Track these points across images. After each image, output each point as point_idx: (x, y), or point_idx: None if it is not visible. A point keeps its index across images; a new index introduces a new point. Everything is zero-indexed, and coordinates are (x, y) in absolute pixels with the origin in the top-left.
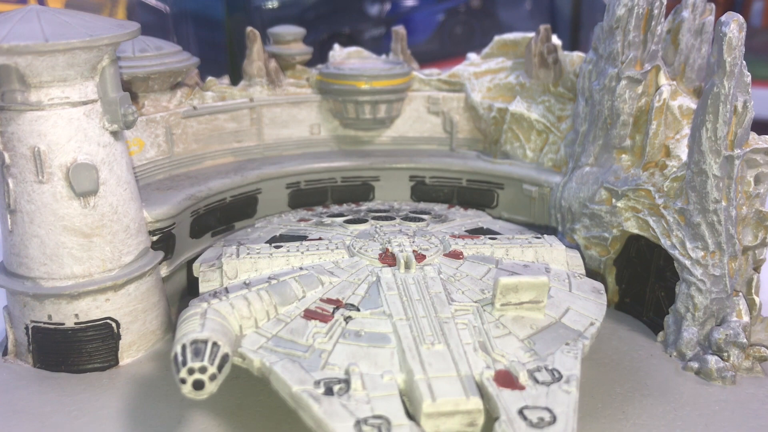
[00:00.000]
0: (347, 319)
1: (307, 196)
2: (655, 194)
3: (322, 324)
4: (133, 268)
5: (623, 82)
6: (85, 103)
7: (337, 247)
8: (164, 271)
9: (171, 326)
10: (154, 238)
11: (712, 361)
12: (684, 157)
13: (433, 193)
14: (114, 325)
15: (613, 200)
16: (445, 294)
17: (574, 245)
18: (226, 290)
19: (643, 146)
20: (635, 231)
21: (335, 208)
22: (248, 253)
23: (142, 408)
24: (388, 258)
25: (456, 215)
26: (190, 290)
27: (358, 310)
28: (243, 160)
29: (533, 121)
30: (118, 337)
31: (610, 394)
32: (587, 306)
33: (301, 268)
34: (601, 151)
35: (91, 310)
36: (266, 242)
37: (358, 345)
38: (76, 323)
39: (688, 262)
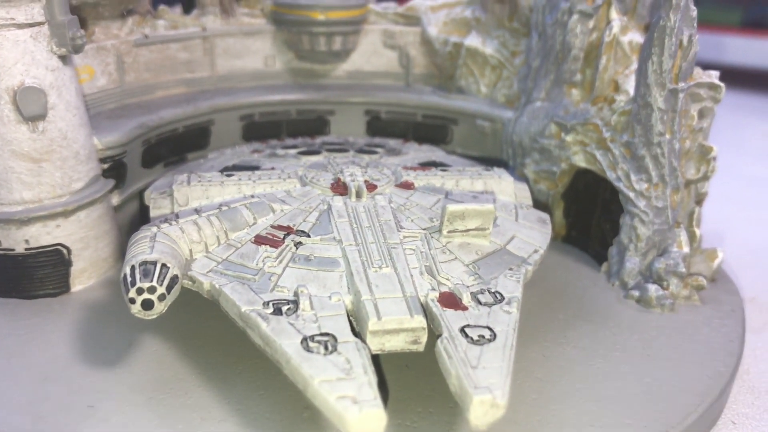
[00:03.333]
0: (297, 244)
1: (262, 129)
2: (602, 128)
3: (272, 249)
4: (83, 194)
5: (575, 17)
6: (31, 25)
7: (289, 177)
8: (115, 199)
9: (123, 254)
10: (105, 166)
11: (652, 289)
12: (632, 91)
13: (389, 128)
14: (65, 251)
15: (562, 134)
16: (394, 222)
17: (524, 179)
18: (177, 216)
19: (592, 81)
20: (583, 165)
21: (290, 141)
22: (199, 181)
23: (93, 332)
24: (339, 187)
25: (410, 149)
26: (142, 220)
27: (309, 236)
28: (195, 91)
29: (488, 56)
30: (69, 263)
31: (553, 320)
32: (532, 235)
33: (252, 197)
34: (553, 86)
35: (41, 236)
36: (218, 172)
37: (308, 269)
38: (26, 249)
39: (632, 194)
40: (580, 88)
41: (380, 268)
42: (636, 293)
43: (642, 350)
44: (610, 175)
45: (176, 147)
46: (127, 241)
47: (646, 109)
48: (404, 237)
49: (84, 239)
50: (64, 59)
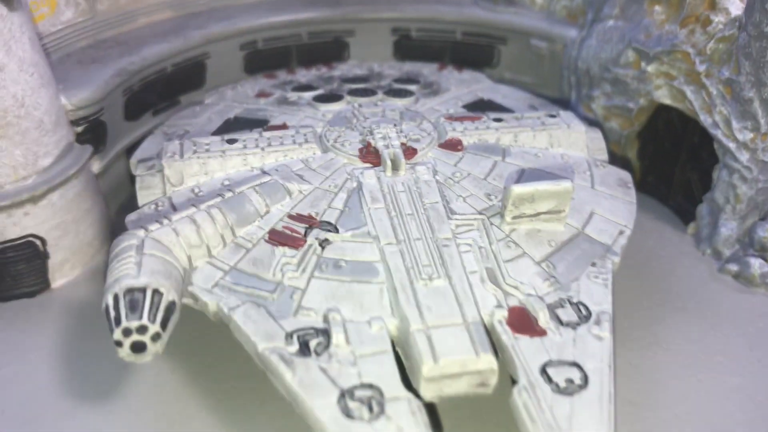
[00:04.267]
0: (323, 243)
1: (267, 59)
2: (695, 58)
3: (292, 251)
4: (53, 172)
5: None
6: None
7: (306, 140)
8: (97, 166)
9: (111, 234)
10: (79, 129)
11: (756, 264)
12: (733, 10)
13: (421, 49)
14: (39, 242)
15: (643, 64)
16: (442, 204)
17: (591, 116)
18: (172, 206)
19: None
20: (667, 102)
21: (302, 74)
22: (195, 151)
23: (81, 348)
24: (370, 155)
25: (450, 81)
26: (134, 182)
27: (337, 230)
28: (184, 15)
29: None
30: (46, 256)
31: (638, 308)
32: (614, 207)
33: (262, 171)
34: (629, 0)
35: (6, 228)
36: (218, 128)
37: (339, 279)
38: None
39: (732, 145)
40: (665, 5)
41: (430, 279)
42: (734, 267)
43: (749, 352)
44: (704, 119)
45: (166, 90)
46: (116, 215)
47: (760, 41)
48: (457, 226)
49: (60, 225)
50: (9, 3)
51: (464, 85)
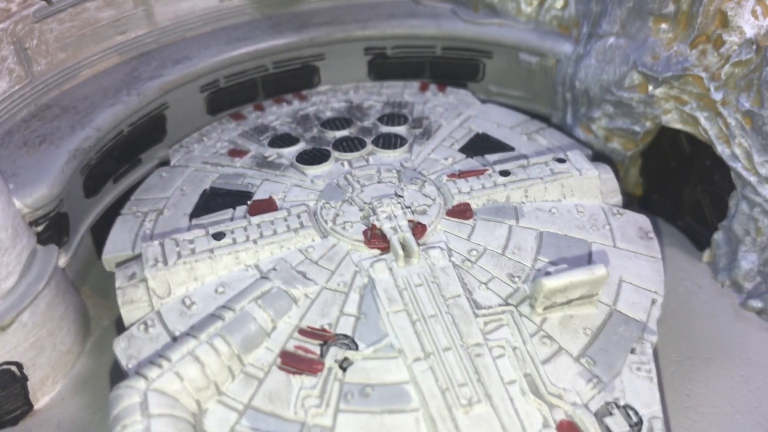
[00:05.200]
0: (344, 364)
1: (231, 96)
2: (708, 83)
3: (310, 377)
4: (19, 293)
5: None
6: None
7: (301, 224)
8: (63, 261)
9: (88, 326)
10: (39, 229)
11: None
12: (747, 28)
13: (399, 67)
14: (14, 368)
15: (650, 87)
16: (465, 297)
17: (591, 138)
18: (163, 324)
19: (691, 13)
20: (677, 126)
21: (272, 112)
22: (179, 254)
23: None
24: (376, 238)
25: (437, 111)
26: (99, 250)
27: (356, 345)
28: (133, 56)
29: None
30: (24, 378)
31: (666, 361)
32: (641, 269)
33: (259, 271)
34: (631, 15)
35: None
36: (195, 205)
37: (368, 411)
38: None
39: (754, 179)
40: (672, 22)
41: (470, 403)
42: (758, 304)
43: None
44: (722, 150)
45: (125, 153)
46: (89, 293)
47: None
48: (485, 324)
49: (35, 344)
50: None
51: (453, 111)
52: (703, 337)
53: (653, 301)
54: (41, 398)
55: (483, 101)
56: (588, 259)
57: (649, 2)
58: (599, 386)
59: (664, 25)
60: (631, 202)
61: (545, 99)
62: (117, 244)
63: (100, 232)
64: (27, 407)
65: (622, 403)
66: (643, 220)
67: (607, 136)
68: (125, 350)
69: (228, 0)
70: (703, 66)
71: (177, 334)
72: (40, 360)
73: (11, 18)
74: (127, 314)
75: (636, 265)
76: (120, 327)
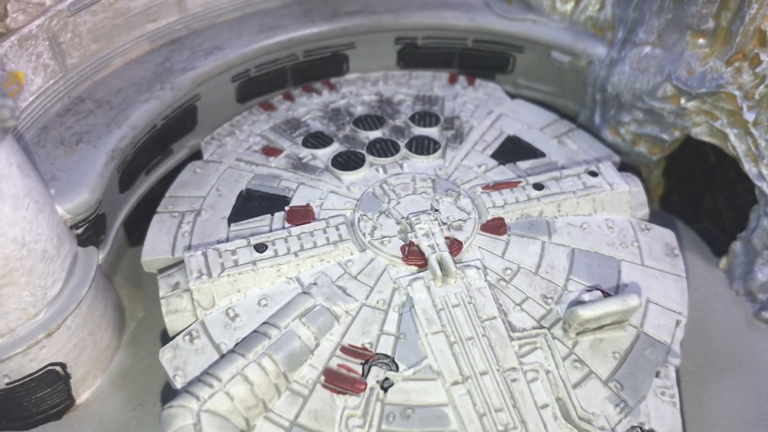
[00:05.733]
0: (385, 384)
1: (260, 85)
2: (741, 102)
3: (353, 397)
4: (63, 299)
5: None
6: None
7: (340, 236)
8: (100, 257)
9: (124, 319)
10: (80, 231)
11: None
12: None
13: (427, 57)
14: (59, 368)
15: (682, 100)
16: (501, 319)
17: (618, 140)
18: (208, 335)
19: (730, 30)
20: (705, 139)
21: (302, 102)
22: (222, 267)
23: None
24: (414, 255)
25: (467, 108)
26: (131, 238)
27: (396, 366)
28: (163, 44)
29: None
30: (68, 377)
31: (682, 371)
32: (666, 288)
33: (301, 286)
34: (669, 27)
35: (24, 365)
36: (233, 208)
37: None
38: (8, 383)
39: None
40: (710, 38)
41: (507, 430)
42: None
43: None
44: (748, 169)
45: (157, 145)
46: (127, 287)
47: None
48: (520, 347)
49: (78, 344)
50: None
51: (483, 109)
52: (717, 346)
53: (677, 323)
54: (83, 393)
55: (512, 95)
56: (617, 278)
57: (688, 16)
58: (626, 410)
59: (701, 40)
60: (651, 201)
61: (574, 96)
62: (156, 246)
63: (131, 220)
64: (70, 401)
65: (647, 427)
66: (669, 236)
67: (635, 141)
68: (171, 361)
69: None
70: (737, 84)
71: (222, 347)
72: (82, 358)
73: (46, 13)
74: (172, 323)
75: (662, 284)
76: (152, 318)
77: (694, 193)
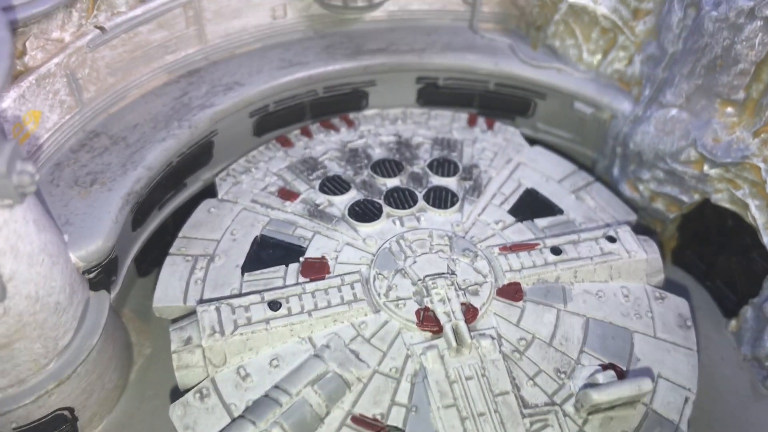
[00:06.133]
0: None
1: (278, 120)
2: (765, 176)
3: None
4: (74, 348)
5: (758, 23)
6: None
7: (354, 296)
8: (111, 296)
9: (131, 356)
10: (92, 276)
11: None
12: None
13: (447, 96)
14: (67, 412)
15: (706, 167)
16: (513, 393)
17: (636, 196)
18: (218, 394)
19: (760, 103)
20: (725, 206)
21: (319, 140)
22: (235, 324)
23: None
24: (429, 321)
25: (485, 155)
26: (140, 271)
27: None
28: (182, 75)
29: (599, 17)
30: (75, 420)
31: None
32: (677, 363)
33: (313, 348)
34: (698, 93)
35: (32, 412)
36: (247, 256)
37: None
38: (15, 429)
39: None
40: (739, 108)
41: None
42: None
43: None
44: (767, 241)
45: (171, 182)
46: (136, 322)
47: None
48: (531, 424)
49: (87, 389)
50: (11, 206)
51: (502, 157)
52: (721, 416)
53: (686, 400)
54: None
55: (530, 140)
56: (630, 351)
57: (719, 85)
58: None
59: (730, 109)
60: (664, 254)
61: (593, 144)
62: (168, 292)
63: (140, 252)
64: None
65: None
66: (683, 306)
67: (653, 197)
68: (182, 419)
69: (281, 17)
70: (763, 156)
71: (232, 407)
72: (90, 401)
73: (66, 50)
74: (182, 378)
75: (673, 359)
76: (160, 355)
77: (708, 252)
